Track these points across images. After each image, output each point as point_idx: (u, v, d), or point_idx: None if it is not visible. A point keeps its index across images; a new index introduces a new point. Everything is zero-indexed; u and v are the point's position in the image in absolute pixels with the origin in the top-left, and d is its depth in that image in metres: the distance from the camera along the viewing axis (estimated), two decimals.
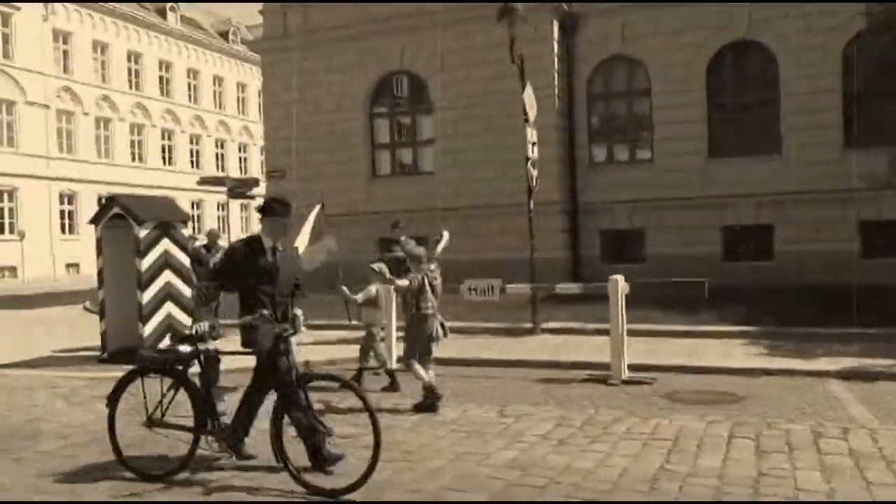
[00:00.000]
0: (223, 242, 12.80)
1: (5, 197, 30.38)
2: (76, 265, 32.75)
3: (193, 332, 4.89)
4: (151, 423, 4.94)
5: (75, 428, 6.33)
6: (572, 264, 17.39)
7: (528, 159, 11.15)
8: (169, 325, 9.56)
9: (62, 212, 33.03)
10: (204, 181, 22.11)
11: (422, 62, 18.53)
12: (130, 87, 36.95)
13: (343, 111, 19.43)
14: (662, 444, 5.42)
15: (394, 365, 7.90)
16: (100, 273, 9.74)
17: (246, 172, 44.01)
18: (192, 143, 40.94)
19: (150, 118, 37.84)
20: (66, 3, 33.21)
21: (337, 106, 19.45)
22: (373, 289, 7.75)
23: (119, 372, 8.63)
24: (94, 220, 9.77)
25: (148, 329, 9.36)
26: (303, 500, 4.45)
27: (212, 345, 5.10)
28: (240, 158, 44.51)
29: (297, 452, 4.75)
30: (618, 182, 17.23)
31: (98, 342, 9.75)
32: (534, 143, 11.18)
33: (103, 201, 10.15)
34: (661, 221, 16.87)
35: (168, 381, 4.90)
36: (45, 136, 32.00)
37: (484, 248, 17.11)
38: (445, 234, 7.62)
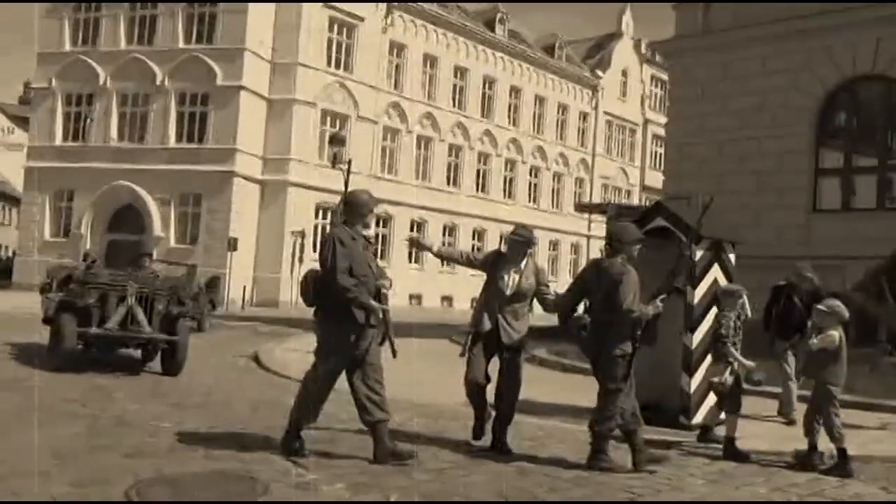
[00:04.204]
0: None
1: (328, 215, 32.30)
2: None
3: None
4: None
5: None
6: None
7: None
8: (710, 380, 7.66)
9: (375, 235, 34.50)
10: (582, 207, 21.06)
11: None
12: (453, 105, 38.11)
13: (778, 126, 16.99)
14: None
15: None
16: None
17: (558, 206, 43.50)
18: (506, 168, 41.18)
19: (469, 139, 38.64)
20: (403, 14, 35.25)
21: (770, 120, 17.09)
22: (835, 334, 6.43)
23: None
24: None
25: (694, 383, 7.58)
26: None
27: None
28: (552, 189, 43.96)
29: None
30: None
31: None
32: None
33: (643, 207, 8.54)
34: None
35: None
36: (371, 154, 33.75)
37: None
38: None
